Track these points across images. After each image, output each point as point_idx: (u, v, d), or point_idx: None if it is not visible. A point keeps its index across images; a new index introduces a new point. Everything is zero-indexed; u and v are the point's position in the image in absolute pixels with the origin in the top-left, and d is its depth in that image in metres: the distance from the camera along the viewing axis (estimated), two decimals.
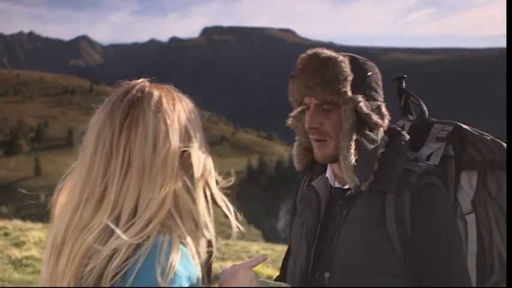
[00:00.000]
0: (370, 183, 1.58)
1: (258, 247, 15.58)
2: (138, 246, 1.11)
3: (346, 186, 1.67)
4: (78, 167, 1.22)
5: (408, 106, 1.95)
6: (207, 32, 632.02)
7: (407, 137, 1.72)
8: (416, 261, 1.51)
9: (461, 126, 1.74)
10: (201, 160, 1.25)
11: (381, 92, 1.68)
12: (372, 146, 1.60)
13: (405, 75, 1.92)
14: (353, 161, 1.55)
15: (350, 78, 1.58)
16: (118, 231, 1.11)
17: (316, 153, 1.67)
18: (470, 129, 1.72)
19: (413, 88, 1.93)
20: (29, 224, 13.40)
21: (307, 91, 1.60)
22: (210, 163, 1.28)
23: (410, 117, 1.92)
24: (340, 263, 1.59)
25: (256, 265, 1.57)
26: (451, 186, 1.67)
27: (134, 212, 1.15)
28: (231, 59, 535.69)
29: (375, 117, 1.60)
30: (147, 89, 1.23)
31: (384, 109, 1.66)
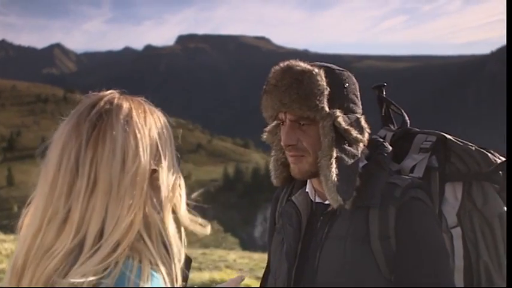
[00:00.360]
0: (353, 199, 1.53)
1: (236, 256, 15.51)
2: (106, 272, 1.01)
3: (328, 201, 1.60)
4: (40, 185, 1.11)
5: (389, 115, 1.91)
6: (182, 39, 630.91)
7: (390, 148, 1.68)
8: (402, 278, 1.46)
9: (445, 136, 1.69)
10: (169, 182, 1.16)
11: (359, 103, 1.63)
12: (353, 161, 1.55)
13: (385, 83, 1.84)
14: (335, 180, 1.49)
15: (327, 92, 1.51)
16: (76, 268, 1.00)
17: (293, 169, 1.60)
18: (454, 140, 1.68)
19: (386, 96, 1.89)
20: (0, 236, 13.14)
21: (282, 107, 1.53)
22: (179, 185, 1.18)
23: (392, 127, 1.88)
24: (322, 281, 1.54)
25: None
26: (435, 198, 1.62)
27: (100, 234, 1.05)
28: (207, 66, 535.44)
29: (354, 132, 1.54)
30: (116, 100, 1.13)
31: (363, 122, 1.60)
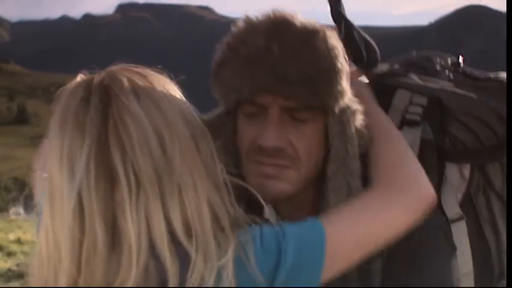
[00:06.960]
0: None
1: None
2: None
3: None
4: (52, 215, 0.79)
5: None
6: (122, 8, 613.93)
7: None
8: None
9: (439, 98, 1.11)
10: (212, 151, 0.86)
11: None
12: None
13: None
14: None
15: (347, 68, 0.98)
16: None
17: (267, 187, 0.96)
18: (459, 92, 1.12)
19: None
20: None
21: (273, 86, 0.91)
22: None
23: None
24: None
25: None
26: (432, 180, 1.00)
27: (173, 237, 0.77)
28: (149, 36, 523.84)
29: (367, 132, 1.02)
30: (105, 78, 0.82)
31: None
